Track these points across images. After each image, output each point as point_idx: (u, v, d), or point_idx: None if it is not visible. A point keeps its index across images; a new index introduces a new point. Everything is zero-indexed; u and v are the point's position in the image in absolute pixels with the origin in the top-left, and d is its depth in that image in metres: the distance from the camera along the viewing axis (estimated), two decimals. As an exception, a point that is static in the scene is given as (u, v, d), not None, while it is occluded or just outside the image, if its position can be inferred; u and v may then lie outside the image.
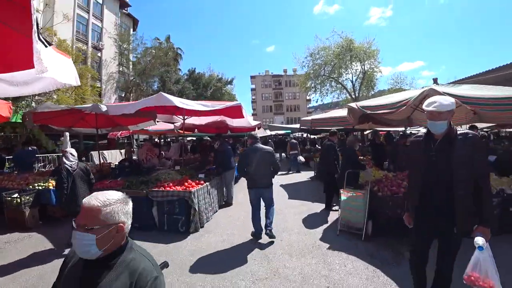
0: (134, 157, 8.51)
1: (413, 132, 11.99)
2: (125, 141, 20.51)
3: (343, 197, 4.31)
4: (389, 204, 4.03)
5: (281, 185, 8.91)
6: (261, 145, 4.38)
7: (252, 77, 62.21)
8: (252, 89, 62.62)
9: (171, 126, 11.66)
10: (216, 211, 6.00)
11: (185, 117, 7.00)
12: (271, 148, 4.50)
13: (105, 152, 13.58)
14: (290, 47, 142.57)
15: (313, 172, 10.88)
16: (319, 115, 8.67)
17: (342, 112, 8.11)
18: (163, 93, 4.89)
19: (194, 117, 8.23)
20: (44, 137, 16.44)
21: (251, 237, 4.44)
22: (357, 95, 26.13)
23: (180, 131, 12.02)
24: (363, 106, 4.90)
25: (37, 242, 4.48)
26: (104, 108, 5.63)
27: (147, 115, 6.92)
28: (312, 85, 27.09)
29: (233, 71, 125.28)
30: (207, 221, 5.25)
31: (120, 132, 11.71)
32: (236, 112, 6.20)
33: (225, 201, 6.68)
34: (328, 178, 5.74)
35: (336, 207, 5.84)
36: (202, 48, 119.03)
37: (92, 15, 22.41)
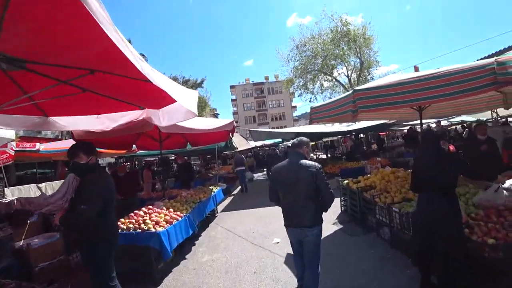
0: None
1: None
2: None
3: None
4: None
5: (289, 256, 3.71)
6: (303, 160, 2.63)
7: (231, 86, 57.78)
8: (233, 100, 58.16)
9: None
10: None
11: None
12: (317, 164, 2.57)
13: (42, 184, 8.43)
14: (268, 59, 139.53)
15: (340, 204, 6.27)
16: (372, 83, 4.11)
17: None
18: None
19: (75, 116, 3.45)
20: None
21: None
22: (355, 91, 21.76)
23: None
24: None
25: None
26: None
27: None
28: (301, 83, 22.46)
29: (212, 84, 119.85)
30: None
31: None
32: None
33: None
34: None
35: None
36: (176, 62, 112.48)
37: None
